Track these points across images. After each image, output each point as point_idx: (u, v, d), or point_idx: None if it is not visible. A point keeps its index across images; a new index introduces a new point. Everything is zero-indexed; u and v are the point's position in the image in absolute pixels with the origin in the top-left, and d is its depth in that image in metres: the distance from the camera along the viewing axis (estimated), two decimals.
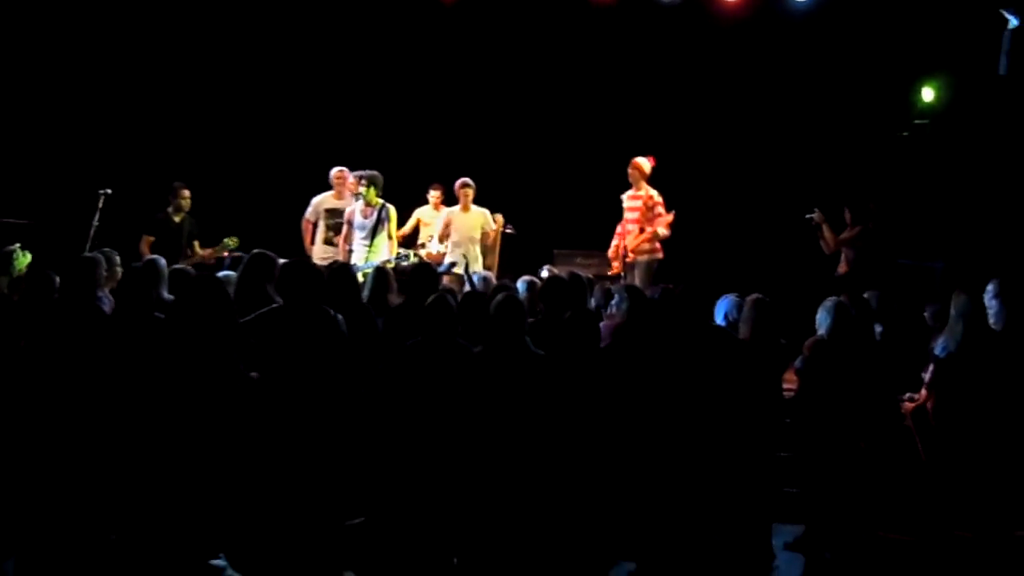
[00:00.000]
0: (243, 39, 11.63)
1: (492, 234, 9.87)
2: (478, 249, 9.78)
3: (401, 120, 11.85)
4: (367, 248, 9.18)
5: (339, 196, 9.80)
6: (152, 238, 9.33)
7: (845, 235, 9.10)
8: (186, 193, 9.56)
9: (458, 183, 9.84)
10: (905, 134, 10.98)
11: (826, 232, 9.17)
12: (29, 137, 11.06)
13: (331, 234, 9.70)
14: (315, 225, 9.84)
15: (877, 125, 11.11)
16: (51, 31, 11.17)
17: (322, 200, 9.88)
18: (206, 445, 5.36)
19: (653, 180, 9.67)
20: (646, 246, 9.45)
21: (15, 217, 9.14)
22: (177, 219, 9.48)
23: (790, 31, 11.16)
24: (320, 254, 9.50)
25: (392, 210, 9.32)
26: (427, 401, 5.38)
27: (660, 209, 9.48)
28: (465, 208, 9.81)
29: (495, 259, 10.20)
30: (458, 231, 9.80)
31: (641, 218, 9.48)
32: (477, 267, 9.48)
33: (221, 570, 5.38)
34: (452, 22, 11.70)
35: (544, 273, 9.08)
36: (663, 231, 9.44)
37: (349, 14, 11.72)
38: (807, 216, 9.32)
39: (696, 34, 11.45)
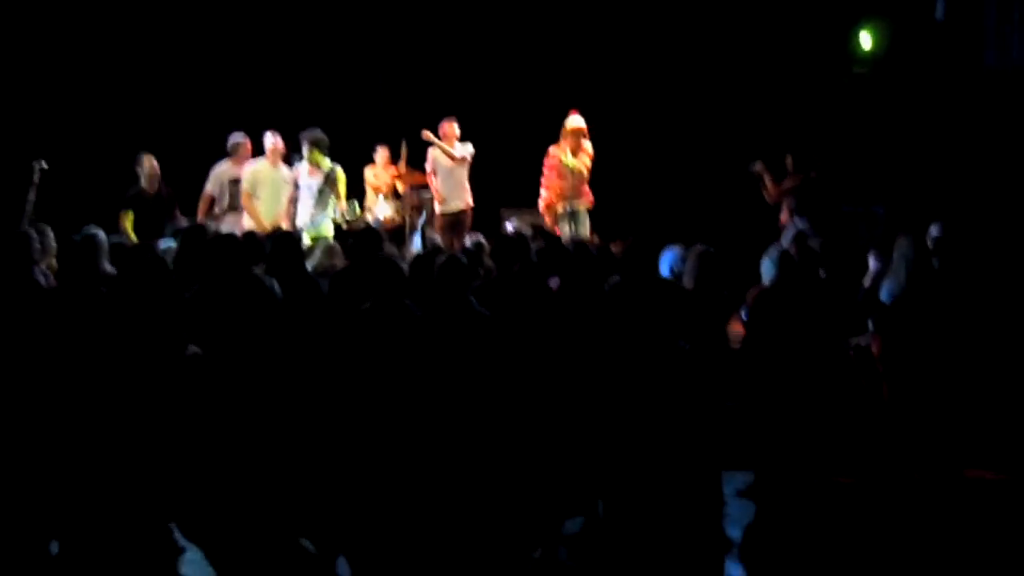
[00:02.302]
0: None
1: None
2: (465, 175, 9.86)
3: (343, 79, 11.70)
4: (311, 209, 9.07)
5: (239, 164, 9.43)
6: (131, 213, 8.99)
7: (786, 184, 9.14)
8: (151, 161, 9.09)
9: (444, 122, 9.86)
10: (846, 80, 11.03)
11: (768, 182, 9.22)
12: None
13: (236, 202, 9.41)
14: (214, 198, 9.47)
15: (817, 72, 11.15)
16: None
17: (224, 171, 9.50)
18: (152, 419, 5.32)
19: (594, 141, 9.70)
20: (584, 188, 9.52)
21: None
22: (151, 190, 9.12)
23: None
24: (233, 222, 9.21)
25: (340, 171, 9.21)
26: (375, 366, 5.35)
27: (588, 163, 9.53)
28: (452, 146, 9.86)
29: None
30: (446, 167, 9.91)
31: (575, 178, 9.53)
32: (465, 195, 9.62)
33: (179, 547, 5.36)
34: None
35: (509, 227, 9.07)
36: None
37: None
38: (749, 168, 9.36)
39: None
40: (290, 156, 9.50)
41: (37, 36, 11.13)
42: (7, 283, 5.64)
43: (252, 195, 9.17)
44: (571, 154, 9.48)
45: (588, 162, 9.52)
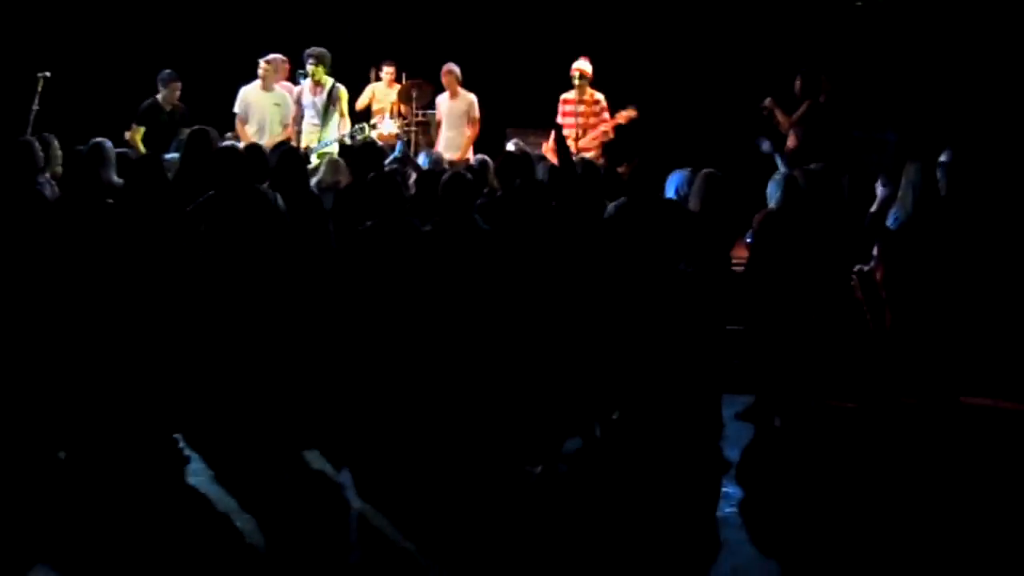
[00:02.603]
0: None
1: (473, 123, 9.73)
2: (464, 135, 9.69)
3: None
4: (318, 128, 9.03)
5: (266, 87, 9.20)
6: (143, 128, 8.89)
7: (797, 114, 9.04)
8: (178, 85, 9.00)
9: (443, 69, 9.65)
10: (859, 4, 10.86)
11: (779, 116, 9.11)
12: None
13: None
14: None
15: None
16: None
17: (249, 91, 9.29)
18: (156, 330, 5.36)
19: (598, 75, 9.56)
20: (591, 144, 9.42)
21: None
22: (168, 108, 8.99)
23: None
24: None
25: (343, 89, 9.16)
26: (381, 281, 5.37)
27: (605, 115, 9.42)
28: (453, 95, 9.68)
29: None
30: (447, 118, 9.72)
31: (583, 121, 9.42)
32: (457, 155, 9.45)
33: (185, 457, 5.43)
34: None
35: (511, 147, 9.02)
36: (610, 132, 9.42)
37: None
38: (760, 106, 9.26)
39: None
40: (294, 74, 9.41)
41: None
42: (10, 192, 5.64)
43: (243, 119, 9.11)
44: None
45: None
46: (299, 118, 9.16)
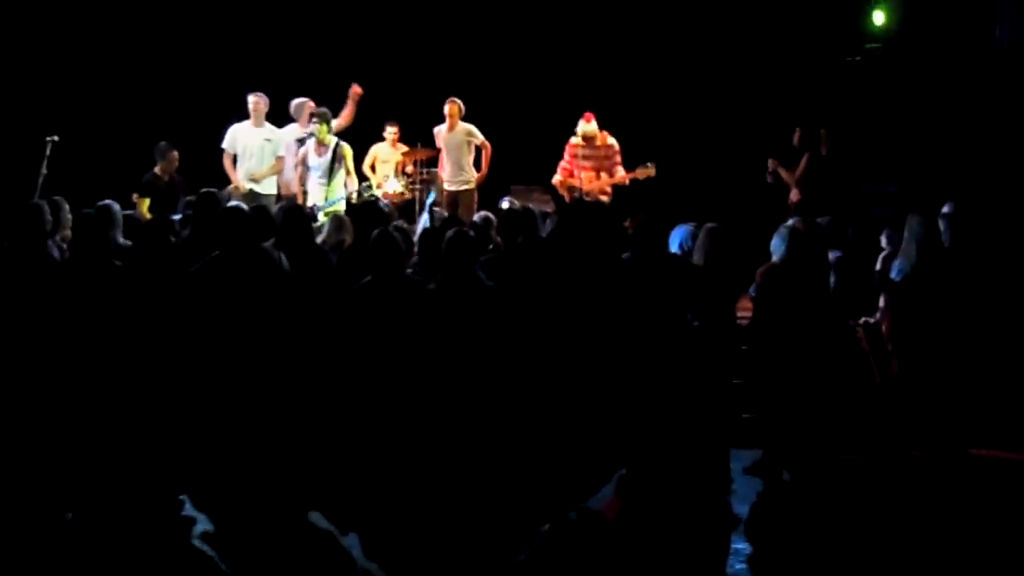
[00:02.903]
0: None
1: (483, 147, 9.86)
2: (469, 162, 9.82)
3: (357, 56, 11.69)
4: (324, 187, 9.14)
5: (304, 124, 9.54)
6: (147, 199, 9.04)
7: (799, 168, 9.10)
8: (175, 155, 9.26)
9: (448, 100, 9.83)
10: (857, 58, 10.97)
11: (784, 175, 9.19)
12: None
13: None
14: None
15: (828, 49, 11.10)
16: None
17: (289, 131, 9.61)
18: (163, 392, 5.36)
19: (607, 123, 9.66)
20: (608, 189, 9.50)
21: None
22: (166, 178, 9.21)
23: None
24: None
25: (347, 147, 9.32)
26: (381, 339, 5.37)
27: (618, 158, 9.50)
28: (451, 127, 9.80)
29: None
30: (446, 149, 9.87)
31: (597, 165, 9.50)
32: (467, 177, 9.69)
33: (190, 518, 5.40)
34: None
35: (504, 204, 9.08)
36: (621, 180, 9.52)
37: None
38: (767, 174, 9.35)
39: None
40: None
41: (53, 14, 11.13)
42: (20, 255, 5.68)
43: (231, 155, 9.39)
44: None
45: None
46: (303, 178, 9.26)
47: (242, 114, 9.55)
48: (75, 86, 11.14)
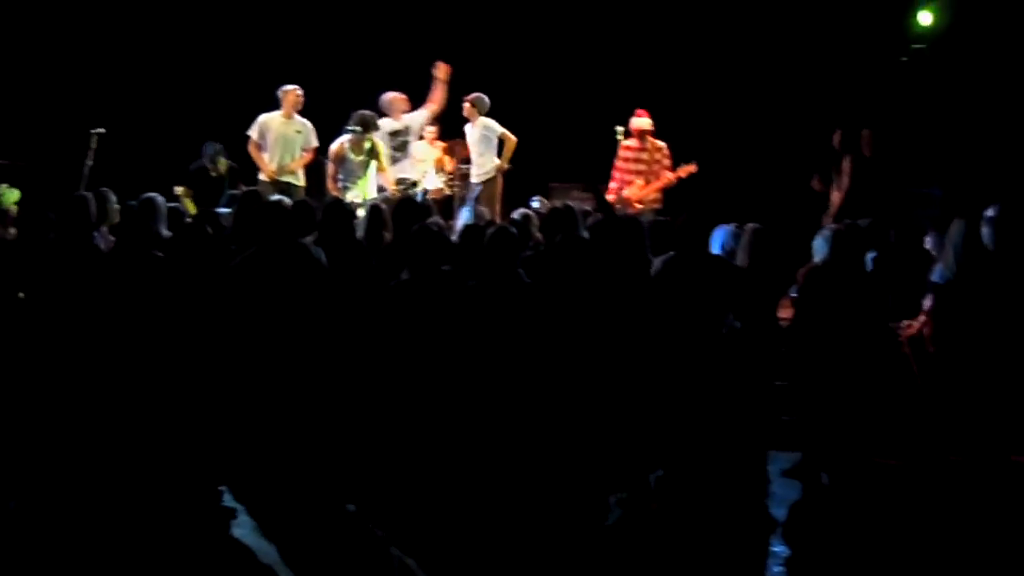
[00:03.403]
0: None
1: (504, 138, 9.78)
2: (489, 155, 9.77)
3: (397, 53, 11.73)
4: (361, 183, 9.26)
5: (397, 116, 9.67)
6: (192, 190, 9.22)
7: (845, 175, 9.03)
8: (223, 162, 9.39)
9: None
10: (903, 59, 10.86)
11: (832, 189, 9.13)
12: (19, 77, 10.97)
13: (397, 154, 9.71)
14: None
15: (874, 50, 10.99)
16: None
17: (383, 124, 9.65)
18: (202, 383, 5.41)
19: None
20: (654, 195, 9.49)
21: (8, 158, 9.11)
22: (214, 173, 9.35)
23: None
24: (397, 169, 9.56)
25: (381, 143, 9.39)
26: (420, 334, 5.40)
27: (667, 161, 9.50)
28: (473, 124, 9.81)
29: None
30: (470, 146, 9.91)
31: (646, 169, 9.50)
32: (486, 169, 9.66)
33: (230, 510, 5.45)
34: None
35: (535, 204, 9.09)
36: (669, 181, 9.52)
37: None
38: (812, 184, 9.32)
39: None
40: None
41: (99, 8, 11.28)
42: (66, 245, 5.76)
43: (258, 144, 9.47)
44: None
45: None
46: (336, 176, 9.32)
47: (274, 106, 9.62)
48: (120, 79, 11.28)
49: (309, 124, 9.65)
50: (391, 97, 9.71)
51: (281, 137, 9.49)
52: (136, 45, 11.41)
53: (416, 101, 9.87)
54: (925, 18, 10.85)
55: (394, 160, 9.63)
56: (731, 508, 5.38)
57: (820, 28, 11.08)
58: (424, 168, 10.27)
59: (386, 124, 9.68)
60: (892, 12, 10.95)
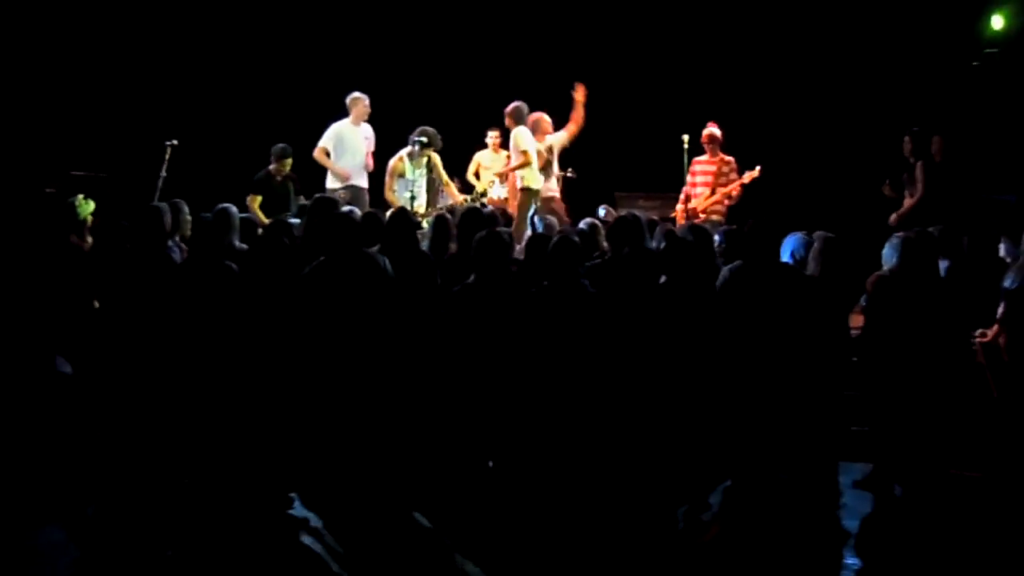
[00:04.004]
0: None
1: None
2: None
3: (457, 63, 11.83)
4: (417, 194, 9.37)
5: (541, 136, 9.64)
6: (260, 196, 9.38)
7: (918, 180, 8.91)
8: (289, 160, 9.54)
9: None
10: (975, 63, 10.68)
11: (905, 195, 9.02)
12: (95, 91, 11.25)
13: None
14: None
15: (946, 55, 10.83)
16: None
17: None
18: (274, 391, 5.48)
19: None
20: (718, 207, 9.46)
21: (85, 170, 9.33)
22: (279, 178, 9.50)
23: None
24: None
25: (437, 157, 9.54)
26: (482, 338, 5.43)
27: (734, 175, 9.46)
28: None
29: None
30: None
31: (713, 181, 9.47)
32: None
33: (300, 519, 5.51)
34: None
35: (601, 213, 9.07)
36: (735, 194, 9.47)
37: None
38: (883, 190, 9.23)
39: None
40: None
41: (174, 24, 11.53)
42: (141, 255, 5.88)
43: (326, 151, 9.66)
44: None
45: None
46: (392, 187, 9.51)
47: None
48: (194, 92, 11.50)
49: (371, 130, 9.96)
50: (537, 117, 9.68)
51: (352, 143, 9.73)
52: (209, 58, 11.64)
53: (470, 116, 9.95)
54: (997, 22, 10.66)
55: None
56: (803, 519, 5.32)
57: (891, 32, 10.94)
58: (490, 177, 10.31)
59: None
60: (964, 16, 10.77)
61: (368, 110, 9.80)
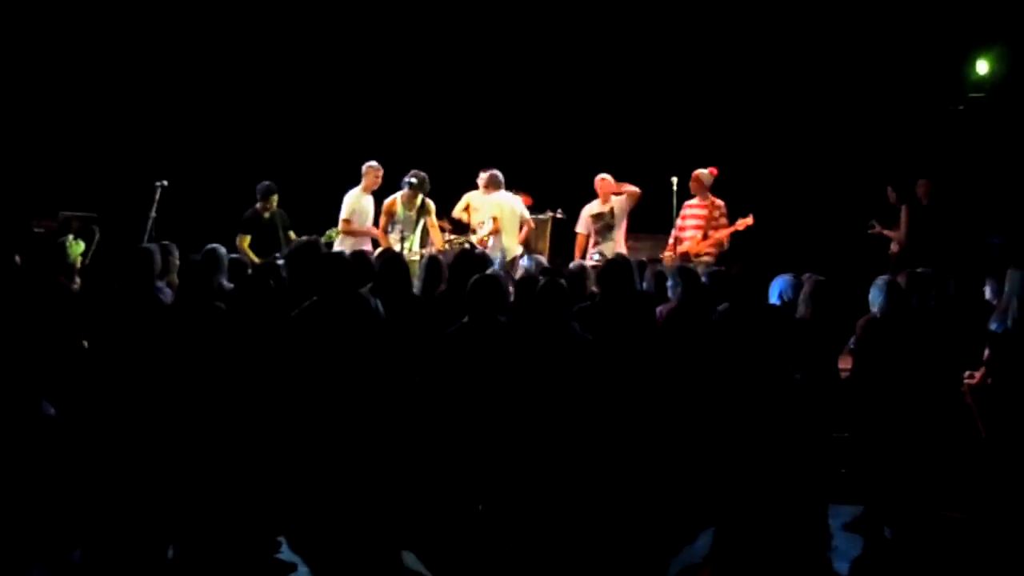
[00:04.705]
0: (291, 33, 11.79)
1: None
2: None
3: (451, 108, 11.90)
4: (409, 237, 9.46)
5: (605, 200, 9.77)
6: (248, 235, 9.41)
7: (902, 224, 8.99)
8: (275, 197, 9.56)
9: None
10: (960, 108, 10.79)
11: (891, 235, 9.09)
12: (85, 131, 11.28)
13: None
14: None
15: (931, 98, 10.94)
16: (104, 30, 11.39)
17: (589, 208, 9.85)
18: (262, 433, 5.46)
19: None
20: (711, 249, 9.49)
21: (76, 210, 9.33)
22: (267, 215, 9.52)
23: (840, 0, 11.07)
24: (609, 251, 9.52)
25: (430, 202, 9.59)
26: (473, 382, 5.43)
27: (724, 220, 9.50)
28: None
29: (546, 244, 10.28)
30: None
31: (704, 224, 9.52)
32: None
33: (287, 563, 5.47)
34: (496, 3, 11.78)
35: (596, 257, 9.10)
36: (725, 240, 9.50)
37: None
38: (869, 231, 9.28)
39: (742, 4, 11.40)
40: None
41: (162, 65, 11.59)
42: (130, 297, 5.87)
43: (349, 220, 9.62)
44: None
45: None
46: (385, 228, 9.54)
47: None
48: (183, 133, 11.53)
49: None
50: (599, 179, 9.85)
51: (365, 213, 9.72)
52: (199, 99, 11.68)
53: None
54: (982, 67, 10.78)
55: (595, 243, 9.75)
56: (793, 562, 5.30)
57: (876, 77, 11.05)
58: (480, 217, 10.35)
59: (593, 206, 9.86)
60: (949, 61, 10.89)
61: (379, 182, 9.76)
